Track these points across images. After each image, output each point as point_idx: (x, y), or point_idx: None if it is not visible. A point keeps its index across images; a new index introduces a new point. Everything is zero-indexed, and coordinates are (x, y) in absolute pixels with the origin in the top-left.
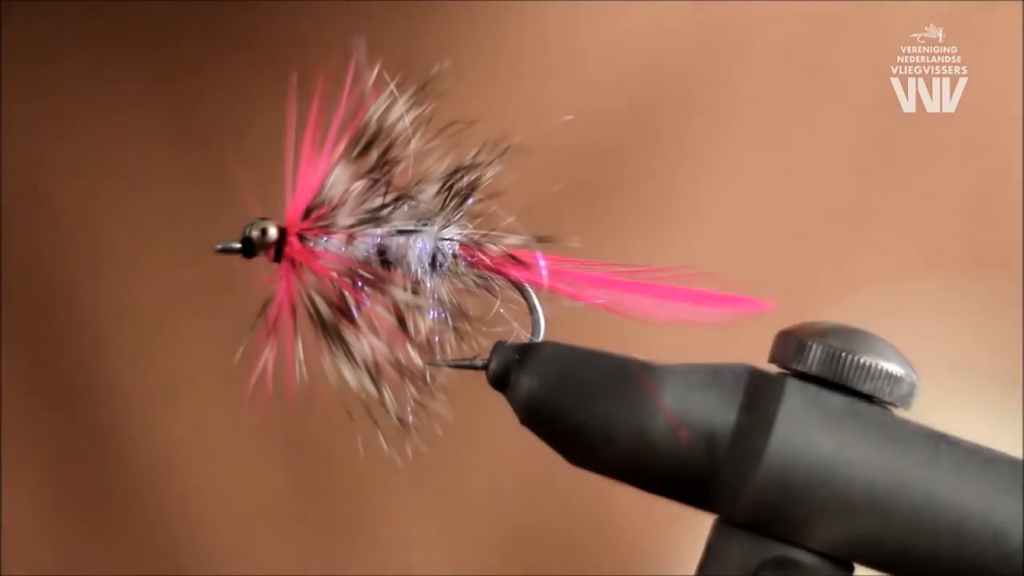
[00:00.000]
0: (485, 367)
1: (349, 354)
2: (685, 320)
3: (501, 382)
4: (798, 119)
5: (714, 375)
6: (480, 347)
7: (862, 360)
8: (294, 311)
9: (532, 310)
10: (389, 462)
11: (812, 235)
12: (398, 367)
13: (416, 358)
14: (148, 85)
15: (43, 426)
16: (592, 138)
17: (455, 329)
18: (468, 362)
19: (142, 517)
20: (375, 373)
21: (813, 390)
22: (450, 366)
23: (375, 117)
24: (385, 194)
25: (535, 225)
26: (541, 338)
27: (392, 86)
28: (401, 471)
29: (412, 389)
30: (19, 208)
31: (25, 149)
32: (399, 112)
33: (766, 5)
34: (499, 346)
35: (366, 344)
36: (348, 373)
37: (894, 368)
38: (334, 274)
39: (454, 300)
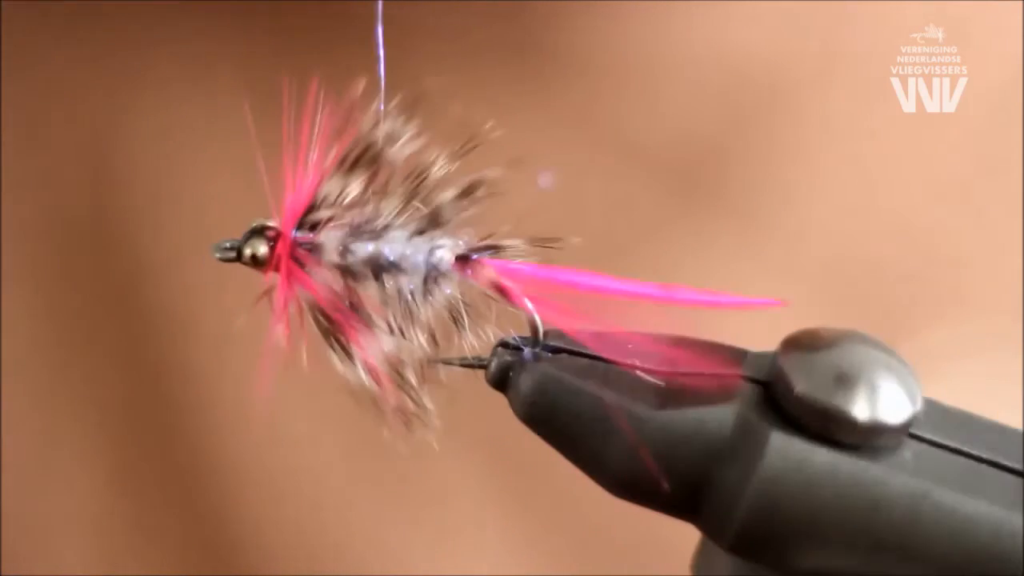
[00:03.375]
0: (484, 366)
1: (348, 356)
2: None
3: (500, 384)
4: (906, 124)
5: (699, 424)
6: (478, 347)
7: (850, 414)
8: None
9: (529, 320)
10: (458, 453)
11: (916, 238)
12: (396, 367)
13: (413, 357)
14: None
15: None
16: (697, 135)
17: (449, 334)
18: (468, 360)
19: (198, 513)
20: (374, 373)
21: (796, 444)
22: (453, 363)
23: (372, 131)
24: (378, 209)
25: (639, 218)
26: (540, 338)
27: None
28: (476, 467)
29: (412, 388)
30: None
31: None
32: (397, 126)
33: (873, 9)
34: (498, 349)
35: (362, 349)
36: (350, 372)
37: (883, 416)
38: (324, 292)
39: (450, 308)
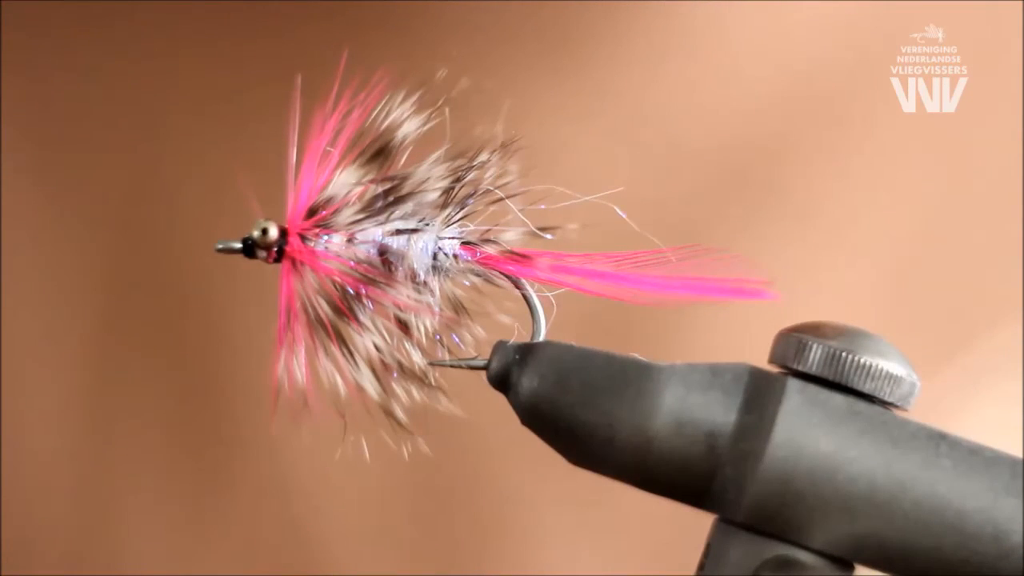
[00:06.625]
0: (485, 367)
1: (350, 354)
2: (689, 302)
3: (501, 382)
4: (965, 124)
5: (714, 375)
6: (481, 343)
7: (862, 360)
8: (302, 312)
9: (532, 309)
10: (535, 465)
11: (969, 244)
12: (400, 367)
13: (418, 357)
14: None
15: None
16: (747, 135)
17: (455, 328)
18: (468, 361)
19: (264, 517)
20: (379, 372)
21: (813, 390)
22: (450, 365)
23: (379, 120)
24: (387, 194)
25: (686, 221)
26: (542, 337)
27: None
28: (550, 478)
29: (414, 388)
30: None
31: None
32: (404, 115)
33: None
34: (499, 346)
35: (369, 343)
36: (351, 373)
37: (895, 368)
38: (335, 274)
39: (455, 299)
